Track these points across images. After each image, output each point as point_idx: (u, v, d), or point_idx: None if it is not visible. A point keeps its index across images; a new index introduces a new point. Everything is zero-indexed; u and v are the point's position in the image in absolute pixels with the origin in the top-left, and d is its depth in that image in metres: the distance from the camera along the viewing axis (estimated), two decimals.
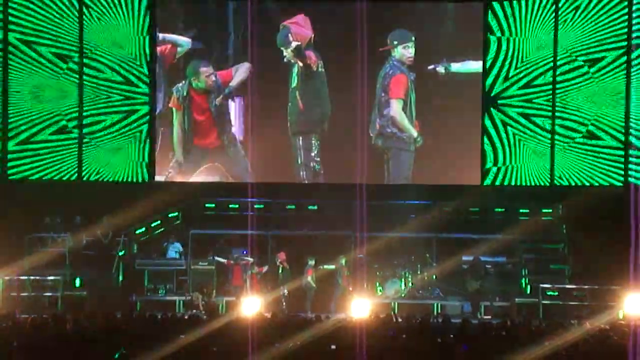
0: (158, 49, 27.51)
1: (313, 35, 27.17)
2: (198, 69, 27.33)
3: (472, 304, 24.37)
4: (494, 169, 27.04)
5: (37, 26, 26.39)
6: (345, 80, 26.85)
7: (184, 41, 27.52)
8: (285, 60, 27.12)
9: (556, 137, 26.53)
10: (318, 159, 27.60)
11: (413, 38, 26.95)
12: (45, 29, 26.46)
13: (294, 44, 26.95)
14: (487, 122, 27.01)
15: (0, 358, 13.31)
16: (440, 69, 27.00)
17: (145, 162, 27.29)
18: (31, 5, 26.27)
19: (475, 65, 27.13)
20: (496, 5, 26.77)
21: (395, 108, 27.22)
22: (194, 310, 22.81)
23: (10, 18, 26.06)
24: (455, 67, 27.02)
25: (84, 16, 26.55)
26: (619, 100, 25.78)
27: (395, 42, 27.00)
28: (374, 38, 26.80)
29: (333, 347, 14.45)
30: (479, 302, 24.29)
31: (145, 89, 27.26)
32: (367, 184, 26.96)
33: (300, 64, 27.14)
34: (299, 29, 27.13)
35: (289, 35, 27.00)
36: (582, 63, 26.21)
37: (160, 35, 27.48)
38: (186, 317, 19.49)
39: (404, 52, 27.01)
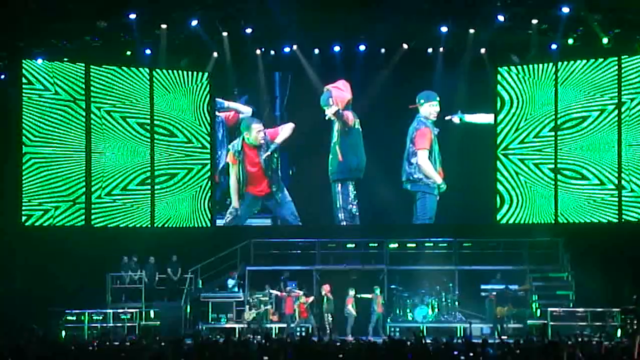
0: (223, 114, 28.13)
1: (351, 97, 27.60)
2: (251, 124, 27.86)
3: (494, 326, 24.05)
4: (506, 209, 27.17)
5: (115, 99, 26.68)
6: (379, 135, 27.30)
7: (246, 110, 28.10)
8: (326, 118, 27.55)
9: (559, 181, 26.51)
10: (355, 203, 27.85)
11: (437, 97, 27.33)
12: (122, 101, 26.80)
13: (333, 108, 27.38)
14: (499, 169, 27.18)
15: None
16: (456, 119, 27.36)
17: (207, 210, 27.77)
18: (110, 82, 26.59)
19: (486, 118, 27.38)
20: (504, 70, 27.09)
21: (421, 157, 27.47)
22: (250, 335, 22.78)
23: (92, 92, 26.29)
24: (468, 118, 27.37)
25: (154, 89, 27.12)
26: (611, 148, 25.64)
27: (422, 101, 27.40)
28: (402, 99, 27.31)
29: None
30: (501, 325, 24.03)
31: (206, 149, 27.83)
32: (396, 223, 27.35)
33: (339, 122, 27.51)
34: (339, 92, 27.62)
35: (330, 98, 27.46)
36: (579, 117, 26.21)
37: (225, 103, 28.05)
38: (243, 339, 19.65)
39: (430, 109, 27.37)
